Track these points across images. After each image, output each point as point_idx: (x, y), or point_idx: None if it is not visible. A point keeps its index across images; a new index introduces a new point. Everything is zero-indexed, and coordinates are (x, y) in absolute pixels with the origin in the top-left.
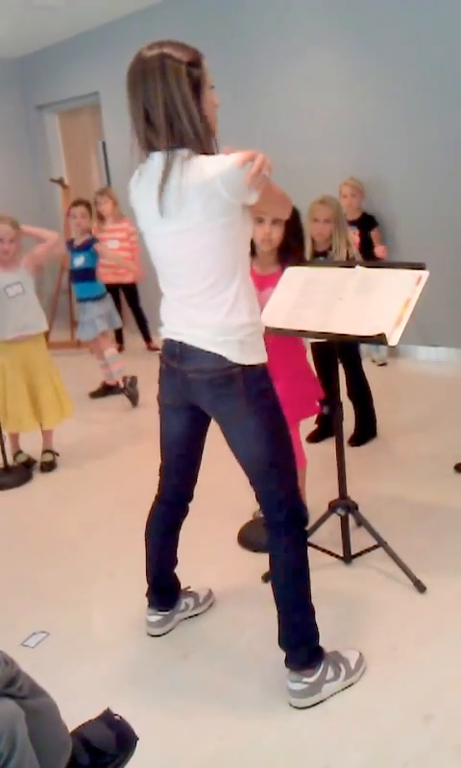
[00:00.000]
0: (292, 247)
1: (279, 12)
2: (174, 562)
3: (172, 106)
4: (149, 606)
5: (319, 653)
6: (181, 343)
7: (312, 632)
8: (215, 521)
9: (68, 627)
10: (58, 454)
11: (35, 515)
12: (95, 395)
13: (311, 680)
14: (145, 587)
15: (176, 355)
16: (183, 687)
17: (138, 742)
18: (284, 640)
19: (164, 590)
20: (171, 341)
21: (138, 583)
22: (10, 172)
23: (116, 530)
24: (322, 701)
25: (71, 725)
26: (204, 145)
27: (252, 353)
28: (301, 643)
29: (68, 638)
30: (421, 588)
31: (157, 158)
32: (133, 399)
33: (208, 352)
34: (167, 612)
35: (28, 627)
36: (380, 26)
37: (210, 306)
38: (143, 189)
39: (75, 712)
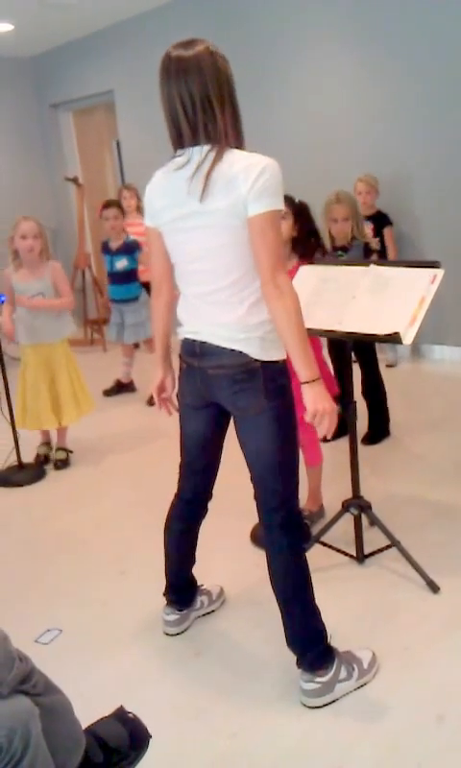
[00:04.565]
0: (307, 240)
1: (292, 9)
2: (192, 561)
3: (217, 99)
4: (166, 604)
5: (329, 653)
6: (201, 342)
7: (318, 633)
8: (228, 519)
9: (82, 624)
10: (71, 452)
11: (48, 512)
12: (108, 392)
13: (324, 679)
14: (158, 584)
15: (196, 354)
16: (196, 685)
17: (151, 740)
18: (291, 643)
19: (182, 589)
20: (190, 340)
21: (151, 580)
22: (24, 171)
23: (129, 528)
24: (334, 700)
25: (85, 722)
26: (240, 140)
27: (272, 349)
28: (307, 646)
29: (82, 636)
30: (434, 588)
31: (196, 152)
32: (151, 398)
33: (229, 350)
34: (184, 611)
35: (42, 624)
36: (393, 21)
37: (231, 303)
38: (173, 182)
39: (89, 710)
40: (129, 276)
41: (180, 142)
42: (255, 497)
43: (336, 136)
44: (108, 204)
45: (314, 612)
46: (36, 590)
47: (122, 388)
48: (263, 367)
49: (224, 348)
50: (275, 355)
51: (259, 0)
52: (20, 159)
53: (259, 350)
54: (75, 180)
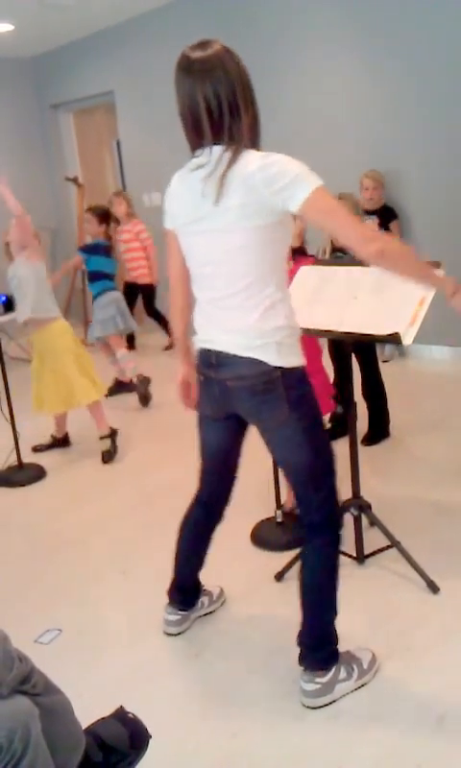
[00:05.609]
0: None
1: (293, 8)
2: (202, 564)
3: (243, 100)
4: (169, 604)
5: (336, 656)
6: (216, 351)
7: (333, 634)
8: (228, 519)
9: (81, 624)
10: (115, 432)
11: (48, 512)
12: (109, 393)
13: (324, 680)
14: (158, 584)
15: (212, 364)
16: (196, 686)
17: (151, 740)
18: (305, 641)
19: (188, 591)
20: (206, 350)
21: (151, 580)
22: (24, 171)
23: (129, 527)
24: (334, 701)
25: (85, 722)
26: (256, 141)
27: (290, 355)
28: (321, 645)
29: (81, 636)
30: (434, 588)
31: (215, 151)
32: (145, 400)
33: (246, 358)
34: (186, 612)
35: (41, 624)
36: (394, 17)
37: (245, 308)
38: (188, 183)
39: (88, 710)
40: (93, 276)
41: (199, 142)
42: (295, 498)
43: (336, 136)
44: (87, 210)
45: (335, 614)
46: (36, 590)
47: (121, 387)
48: (283, 375)
49: (241, 357)
50: (294, 361)
51: (259, 0)
52: (20, 159)
53: (277, 356)
54: (75, 180)
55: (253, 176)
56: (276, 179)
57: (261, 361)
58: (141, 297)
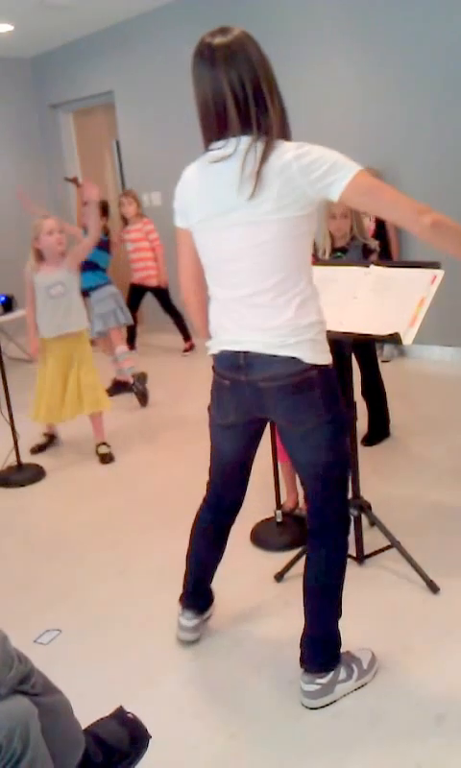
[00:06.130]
0: None
1: (292, 10)
2: (216, 567)
3: (267, 88)
4: (184, 610)
5: (338, 657)
6: (244, 352)
7: (337, 636)
8: None
9: (80, 625)
10: (109, 446)
11: (47, 512)
12: (108, 392)
13: (324, 680)
14: (158, 584)
15: (241, 366)
16: (195, 686)
17: (151, 740)
18: (308, 642)
19: (204, 594)
20: (231, 352)
21: (150, 581)
22: (24, 171)
23: (128, 529)
24: (334, 701)
25: (84, 722)
26: (287, 131)
27: (323, 353)
28: (324, 646)
29: (81, 636)
30: (434, 588)
31: (243, 142)
32: (144, 398)
33: (282, 357)
34: (202, 615)
35: (41, 624)
36: (394, 18)
37: (277, 306)
38: (211, 177)
39: (88, 710)
40: (86, 266)
41: (221, 132)
42: (305, 498)
43: (335, 135)
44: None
45: (339, 615)
46: (35, 591)
47: (120, 386)
48: (320, 375)
49: (275, 356)
50: (327, 359)
51: (257, 3)
52: (20, 160)
53: (312, 354)
54: (74, 181)
55: (289, 166)
56: (313, 167)
57: (297, 359)
58: (156, 298)
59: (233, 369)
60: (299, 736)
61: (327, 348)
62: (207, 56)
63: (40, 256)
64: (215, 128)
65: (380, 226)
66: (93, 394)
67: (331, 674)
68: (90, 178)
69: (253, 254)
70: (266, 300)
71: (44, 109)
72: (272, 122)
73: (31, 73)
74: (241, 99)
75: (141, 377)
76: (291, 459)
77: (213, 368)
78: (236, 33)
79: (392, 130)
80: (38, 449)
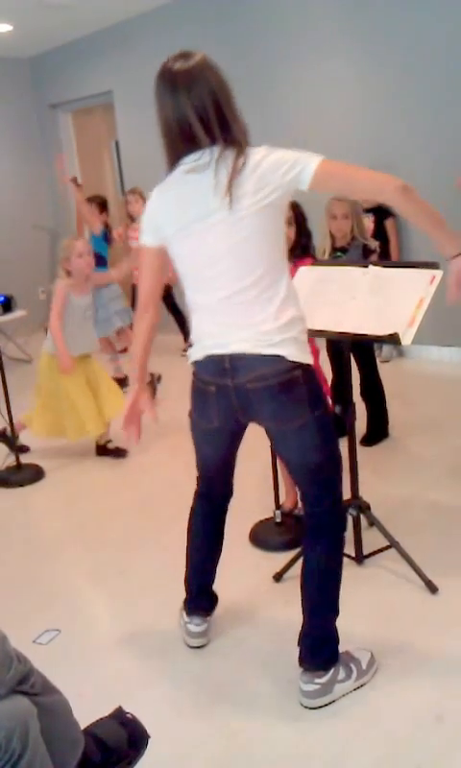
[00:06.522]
0: (302, 243)
1: (290, 11)
2: (217, 563)
3: (226, 105)
4: (190, 616)
5: (336, 656)
6: (230, 355)
7: (335, 635)
8: (227, 520)
9: (80, 625)
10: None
11: (47, 512)
12: None
13: (323, 680)
14: (158, 584)
15: (226, 370)
16: (194, 686)
17: (150, 740)
18: (306, 641)
19: (209, 595)
20: (216, 357)
21: (149, 581)
22: (23, 171)
23: (128, 528)
24: (333, 701)
25: (83, 722)
26: (247, 139)
27: (305, 352)
28: (322, 646)
29: (80, 636)
30: (433, 588)
31: (216, 149)
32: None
33: (266, 355)
34: (209, 618)
35: (40, 625)
36: (392, 18)
37: (261, 302)
38: (188, 185)
39: (87, 710)
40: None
41: (189, 149)
42: (301, 499)
43: (333, 135)
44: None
45: (337, 614)
46: (34, 591)
47: (118, 383)
48: (304, 374)
49: (261, 356)
50: (308, 359)
51: (256, 3)
52: (19, 159)
53: (297, 352)
54: (74, 181)
55: (259, 164)
56: (280, 162)
57: (283, 358)
58: (163, 300)
59: (219, 374)
60: (299, 736)
61: (308, 348)
62: (169, 80)
63: (71, 276)
64: (181, 146)
65: (380, 226)
66: (120, 400)
67: (330, 674)
68: (90, 178)
69: (231, 254)
70: (248, 298)
71: (43, 109)
72: (237, 136)
73: (30, 73)
74: (205, 120)
75: (150, 377)
76: (283, 462)
77: (194, 374)
78: (197, 58)
79: (392, 130)
80: (26, 449)
